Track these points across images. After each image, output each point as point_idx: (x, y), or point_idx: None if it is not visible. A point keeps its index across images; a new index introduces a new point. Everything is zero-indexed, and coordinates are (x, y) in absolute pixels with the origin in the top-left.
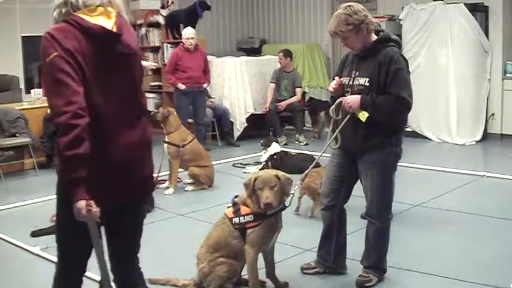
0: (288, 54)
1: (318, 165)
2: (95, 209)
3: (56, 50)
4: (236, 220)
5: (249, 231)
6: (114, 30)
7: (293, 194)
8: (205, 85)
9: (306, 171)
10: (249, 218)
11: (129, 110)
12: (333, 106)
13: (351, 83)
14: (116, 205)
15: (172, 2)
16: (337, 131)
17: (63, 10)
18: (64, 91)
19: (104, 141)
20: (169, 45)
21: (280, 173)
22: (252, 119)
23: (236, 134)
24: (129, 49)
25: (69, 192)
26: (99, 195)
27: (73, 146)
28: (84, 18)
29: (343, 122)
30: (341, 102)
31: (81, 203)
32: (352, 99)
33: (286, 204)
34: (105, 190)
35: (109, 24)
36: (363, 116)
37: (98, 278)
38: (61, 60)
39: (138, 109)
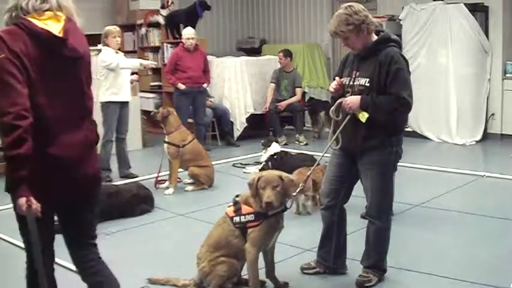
0: (288, 54)
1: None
2: (35, 205)
3: (3, 52)
4: (237, 219)
5: (249, 230)
6: (61, 35)
7: (294, 196)
8: (205, 85)
9: (308, 174)
10: (250, 217)
11: (74, 111)
12: (333, 107)
13: (351, 83)
14: (61, 202)
15: (172, 2)
16: (337, 132)
17: (14, 14)
18: (9, 92)
19: (48, 141)
20: (169, 45)
21: (284, 174)
22: (252, 119)
23: (236, 134)
24: (75, 53)
25: (11, 189)
26: (44, 192)
27: (15, 146)
28: (32, 21)
29: (343, 123)
30: (341, 103)
31: (22, 200)
32: (352, 100)
33: (288, 206)
34: (49, 188)
35: (57, 28)
36: (363, 116)
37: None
38: (8, 62)
39: (83, 111)
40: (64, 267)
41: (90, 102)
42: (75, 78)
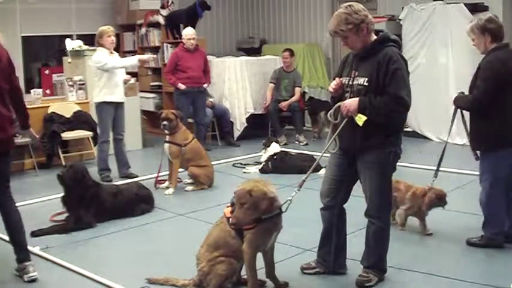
0: (293, 53)
1: (319, 168)
2: None
3: None
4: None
5: (245, 231)
6: None
7: (291, 200)
8: (205, 85)
9: (304, 178)
10: None
11: None
12: (331, 110)
13: (350, 83)
14: None
15: (172, 2)
16: (334, 135)
17: None
18: None
19: None
20: (169, 45)
21: (256, 189)
22: (252, 119)
23: (236, 134)
24: None
25: None
26: None
27: None
28: None
29: (341, 126)
30: (339, 106)
31: None
32: (350, 103)
33: (283, 209)
34: None
35: None
36: (360, 119)
37: None
38: None
39: (4, 95)
40: (67, 268)
41: (6, 92)
42: None
